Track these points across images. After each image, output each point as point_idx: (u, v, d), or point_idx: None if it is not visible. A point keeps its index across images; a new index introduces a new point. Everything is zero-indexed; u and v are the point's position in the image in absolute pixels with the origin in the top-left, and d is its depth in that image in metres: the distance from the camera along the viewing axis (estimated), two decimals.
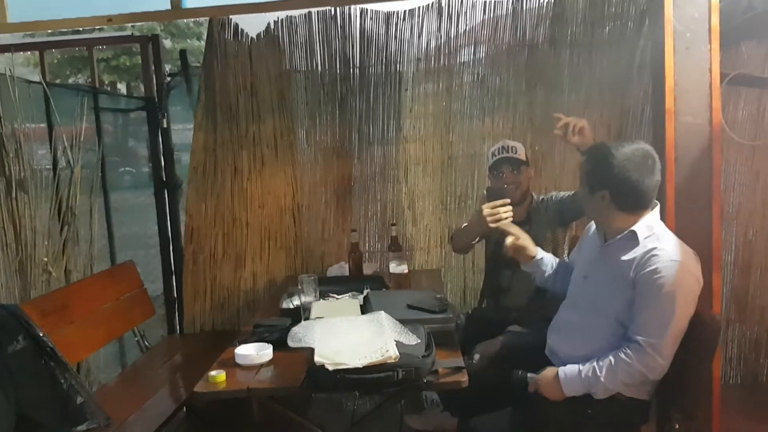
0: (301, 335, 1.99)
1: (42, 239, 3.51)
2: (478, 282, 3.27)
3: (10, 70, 3.33)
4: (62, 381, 2.35)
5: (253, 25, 3.37)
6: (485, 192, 2.40)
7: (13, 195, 3.46)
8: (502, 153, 2.57)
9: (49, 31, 3.45)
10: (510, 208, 2.27)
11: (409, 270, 2.90)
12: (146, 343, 3.27)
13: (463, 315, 2.70)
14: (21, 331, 2.31)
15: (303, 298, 2.47)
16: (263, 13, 2.96)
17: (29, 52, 3.81)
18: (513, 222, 2.27)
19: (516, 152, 2.57)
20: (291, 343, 1.99)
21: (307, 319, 2.28)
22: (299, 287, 2.50)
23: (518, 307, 2.58)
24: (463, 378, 1.91)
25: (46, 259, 3.50)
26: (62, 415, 2.32)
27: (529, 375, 2.03)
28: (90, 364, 3.35)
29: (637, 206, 1.93)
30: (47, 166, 3.57)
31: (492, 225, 2.24)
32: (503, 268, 2.60)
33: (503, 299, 2.65)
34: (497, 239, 2.30)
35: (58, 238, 3.48)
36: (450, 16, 3.31)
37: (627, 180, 1.88)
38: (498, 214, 2.24)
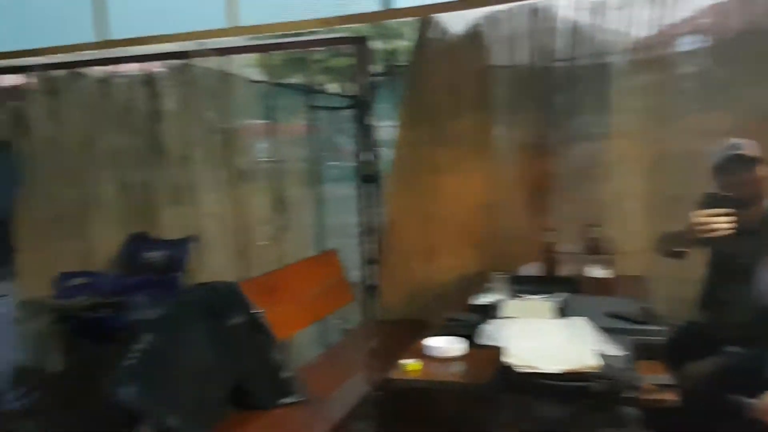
0: (493, 333, 1.97)
1: (260, 225, 3.89)
2: (689, 293, 2.97)
3: (235, 71, 3.74)
4: (272, 356, 2.58)
5: (457, 21, 3.40)
6: (704, 197, 2.17)
7: (238, 185, 3.88)
8: (731, 151, 2.32)
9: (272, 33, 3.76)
10: (730, 219, 2.01)
11: (609, 275, 2.73)
12: (345, 327, 3.46)
13: (671, 328, 2.47)
14: (239, 307, 2.56)
15: (495, 296, 2.44)
16: (468, 10, 2.97)
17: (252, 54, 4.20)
18: (743, 230, 2.02)
19: (745, 149, 2.30)
20: (482, 341, 1.98)
21: (498, 317, 2.25)
22: (491, 285, 2.47)
23: (741, 324, 2.30)
24: (669, 396, 1.75)
25: (263, 243, 3.87)
26: (270, 387, 2.53)
27: (747, 401, 1.81)
28: (294, 343, 3.63)
29: None
30: (267, 159, 3.95)
31: (705, 236, 2.02)
32: (728, 279, 2.32)
33: (723, 314, 2.38)
34: (725, 245, 2.06)
35: (274, 225, 3.83)
36: (666, 4, 3.04)
37: None
38: (713, 224, 2.01)
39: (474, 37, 3.36)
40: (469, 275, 3.41)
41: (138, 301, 3.21)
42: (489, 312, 2.35)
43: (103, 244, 3.83)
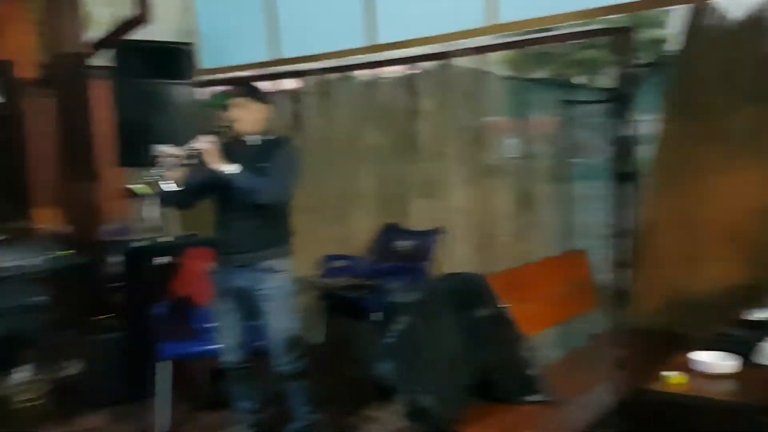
0: None
1: (504, 221, 3.91)
2: None
3: (486, 68, 3.78)
4: (518, 351, 2.58)
5: (736, 7, 3.06)
6: None
7: (485, 181, 3.94)
8: None
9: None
10: None
11: None
12: (591, 331, 3.32)
13: None
14: (486, 299, 2.61)
15: None
16: None
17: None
18: None
19: None
20: (760, 359, 1.77)
21: None
22: None
23: None
24: None
25: (506, 238, 3.89)
26: (515, 382, 2.53)
27: None
28: (538, 342, 3.58)
29: None
30: (514, 156, 3.95)
31: None
32: None
33: None
34: None
35: (518, 221, 3.82)
36: None
37: None
38: None
39: (757, 22, 2.99)
40: (741, 287, 3.06)
41: (389, 285, 3.43)
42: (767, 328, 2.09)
43: (361, 231, 4.18)
